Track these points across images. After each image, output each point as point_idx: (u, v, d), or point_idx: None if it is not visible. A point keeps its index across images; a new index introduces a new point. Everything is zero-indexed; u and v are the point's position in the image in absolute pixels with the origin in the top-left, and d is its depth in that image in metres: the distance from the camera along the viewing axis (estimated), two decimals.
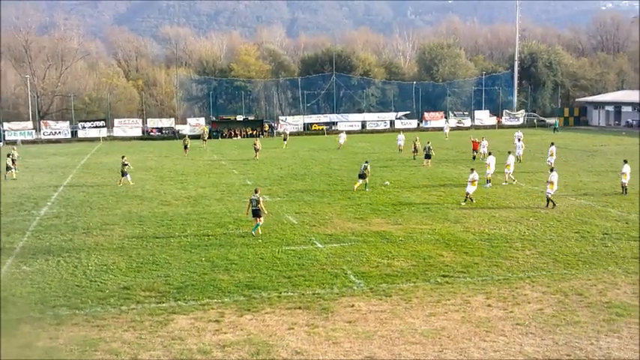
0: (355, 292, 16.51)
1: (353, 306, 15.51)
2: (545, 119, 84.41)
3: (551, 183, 26.89)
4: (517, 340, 13.33)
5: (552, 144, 39.43)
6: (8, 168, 38.29)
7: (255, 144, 48.40)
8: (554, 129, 71.14)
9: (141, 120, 77.40)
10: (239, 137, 72.59)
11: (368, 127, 78.48)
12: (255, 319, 14.78)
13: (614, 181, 32.70)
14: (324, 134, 75.14)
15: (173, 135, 72.56)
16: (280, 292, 16.52)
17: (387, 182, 33.91)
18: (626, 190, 29.81)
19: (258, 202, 22.46)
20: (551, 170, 28.00)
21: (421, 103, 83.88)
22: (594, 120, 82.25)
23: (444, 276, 17.71)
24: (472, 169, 28.95)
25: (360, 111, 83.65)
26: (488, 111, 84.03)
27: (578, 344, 13.05)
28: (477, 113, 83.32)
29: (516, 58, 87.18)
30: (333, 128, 77.82)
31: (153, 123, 76.33)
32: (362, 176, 32.14)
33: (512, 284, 16.94)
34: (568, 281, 17.09)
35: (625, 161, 30.61)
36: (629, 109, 77.62)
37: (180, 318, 14.86)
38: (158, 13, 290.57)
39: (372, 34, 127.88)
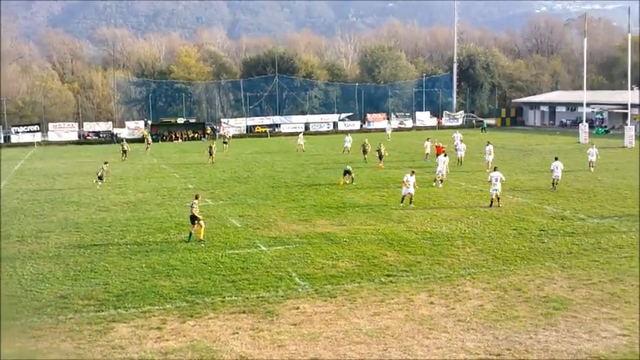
0: (300, 295, 16.46)
1: (298, 308, 15.44)
2: (483, 120, 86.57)
3: (489, 182, 27.52)
4: (459, 336, 13.55)
5: (488, 143, 40.42)
6: None
7: (210, 147, 47.46)
8: (482, 129, 73.16)
9: (77, 124, 75.18)
10: (180, 140, 71.53)
11: (311, 129, 78.66)
12: (199, 324, 14.53)
13: (549, 179, 33.77)
14: (267, 136, 74.87)
15: (111, 139, 70.78)
16: (224, 297, 16.30)
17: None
18: (555, 185, 31.06)
19: (191, 207, 22.08)
20: (495, 169, 28.61)
21: (364, 104, 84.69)
22: (530, 120, 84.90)
23: (387, 275, 17.86)
24: (412, 172, 29.00)
25: (303, 113, 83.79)
26: (429, 112, 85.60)
27: (517, 338, 13.37)
28: (418, 114, 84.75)
29: (455, 61, 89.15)
30: (276, 130, 77.67)
31: (89, 127, 74.24)
32: (347, 172, 34.27)
33: (454, 281, 17.24)
34: (507, 277, 17.52)
35: (556, 158, 32.03)
36: (563, 109, 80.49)
37: (120, 326, 14.45)
38: (95, 14, 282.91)
39: (314, 36, 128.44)
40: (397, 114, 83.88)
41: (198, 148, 58.99)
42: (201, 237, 22.02)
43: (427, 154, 44.69)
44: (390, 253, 20.23)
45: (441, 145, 42.88)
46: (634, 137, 52.77)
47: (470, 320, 14.43)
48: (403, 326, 14.19)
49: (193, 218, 21.97)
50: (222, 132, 71.99)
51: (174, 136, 72.15)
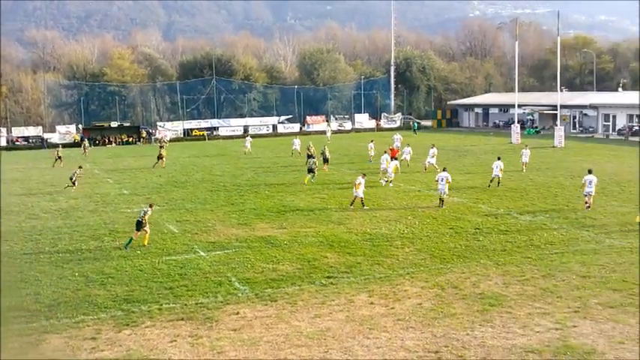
0: (240, 299, 16.26)
1: (238, 313, 15.25)
2: (420, 121, 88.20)
3: (437, 182, 28.13)
4: (399, 335, 13.68)
5: (433, 146, 41.11)
6: None
7: (160, 151, 46.38)
8: (414, 130, 74.66)
9: (5, 129, 72.14)
10: (114, 144, 69.76)
11: (250, 132, 78.07)
12: (135, 333, 14.13)
13: (484, 178, 34.68)
14: (205, 140, 73.92)
15: (41, 144, 68.27)
16: (161, 305, 15.92)
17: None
18: (493, 183, 32.16)
19: (145, 214, 21.86)
20: (444, 170, 29.14)
21: (303, 106, 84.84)
22: (465, 121, 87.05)
23: (328, 277, 17.87)
24: (364, 174, 29.06)
25: (242, 116, 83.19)
26: (367, 114, 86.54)
27: (455, 335, 13.60)
28: (357, 116, 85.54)
29: (392, 63, 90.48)
30: (215, 133, 76.86)
31: (19, 132, 71.45)
32: (311, 170, 35.22)
33: (393, 281, 17.41)
34: (444, 275, 17.83)
35: (498, 158, 33.38)
36: (496, 110, 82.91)
37: (53, 337, 13.91)
38: (23, 16, 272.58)
39: (253, 38, 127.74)
40: (336, 116, 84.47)
41: (133, 152, 57.68)
42: (146, 243, 21.74)
43: (371, 155, 45.06)
44: (330, 254, 20.26)
45: (395, 148, 42.90)
46: (563, 137, 54.80)
47: (409, 319, 14.60)
48: (344, 327, 14.22)
49: (140, 224, 21.66)
50: (158, 136, 70.63)
51: (107, 141, 70.27)
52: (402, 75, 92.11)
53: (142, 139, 71.64)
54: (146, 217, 21.80)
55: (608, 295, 15.74)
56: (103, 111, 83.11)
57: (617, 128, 64.88)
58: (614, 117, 66.02)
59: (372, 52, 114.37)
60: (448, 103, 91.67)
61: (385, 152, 36.94)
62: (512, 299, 15.72)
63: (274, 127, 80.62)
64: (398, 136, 49.66)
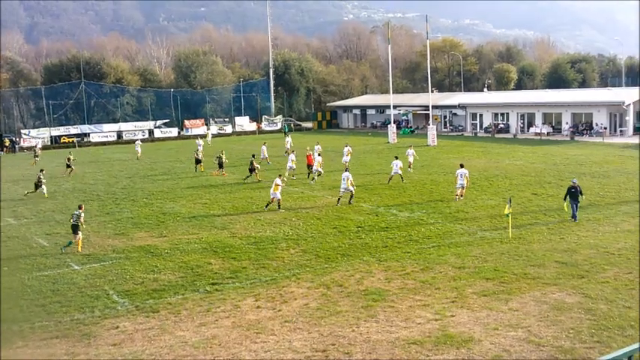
0: (119, 313, 15.49)
1: (117, 327, 14.52)
2: (301, 123, 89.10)
3: (348, 181, 28.54)
4: (286, 337, 13.62)
5: (347, 145, 41.61)
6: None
7: (68, 158, 43.72)
8: (285, 132, 75.66)
9: None
10: None
11: (125, 138, 75.24)
12: (6, 355, 13.02)
13: (365, 178, 35.64)
14: (75, 147, 70.05)
15: None
16: (33, 323, 14.82)
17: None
18: (402, 178, 33.93)
19: (79, 217, 21.88)
20: (346, 169, 29.76)
21: (180, 110, 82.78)
22: (344, 123, 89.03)
23: (213, 284, 17.48)
24: (280, 175, 28.83)
25: (115, 120, 79.67)
26: (248, 117, 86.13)
27: (341, 333, 13.75)
28: (238, 119, 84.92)
29: (271, 66, 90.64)
30: (85, 140, 73.23)
31: None
32: (251, 170, 36.19)
33: (280, 283, 17.35)
34: (329, 274, 18.01)
35: (396, 157, 34.90)
36: (373, 111, 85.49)
37: None
38: None
39: (123, 40, 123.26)
40: (216, 119, 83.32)
41: None
42: (80, 249, 21.53)
43: (267, 157, 44.75)
44: (214, 260, 19.84)
45: (311, 154, 40.17)
46: (436, 136, 57.46)
47: (296, 320, 14.58)
48: (230, 334, 13.94)
49: (76, 228, 21.74)
50: (31, 144, 66.00)
51: None
52: (281, 77, 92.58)
53: (5, 149, 66.73)
54: (82, 220, 21.96)
55: (481, 285, 16.60)
56: None
57: (484, 126, 69.07)
58: (481, 116, 70.24)
59: (249, 54, 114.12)
60: (327, 104, 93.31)
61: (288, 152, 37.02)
62: (395, 293, 16.16)
63: (150, 131, 78.11)
64: (289, 139, 49.97)
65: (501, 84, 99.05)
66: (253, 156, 37.96)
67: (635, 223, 22.69)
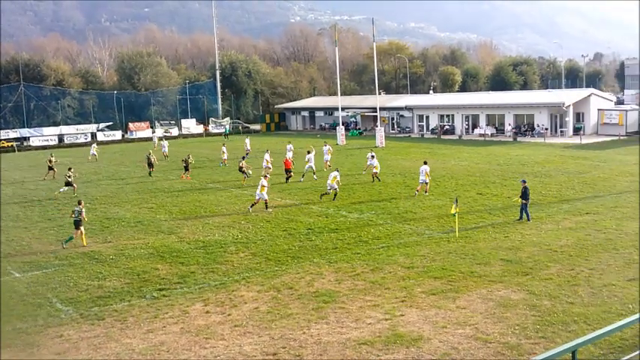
0: (63, 321, 15.02)
1: (62, 336, 14.08)
2: (249, 126, 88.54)
3: (334, 179, 29.23)
4: (236, 342, 13.46)
5: (325, 143, 43.19)
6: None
7: (50, 160, 42.47)
8: (225, 135, 75.29)
9: None
10: None
11: (66, 141, 73.17)
12: None
13: (313, 181, 35.68)
14: (14, 151, 67.68)
15: None
16: None
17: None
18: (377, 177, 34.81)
19: (80, 213, 22.53)
20: (336, 170, 30.73)
21: (124, 113, 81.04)
22: (293, 125, 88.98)
23: (160, 290, 17.13)
24: (265, 176, 28.44)
25: (55, 124, 77.30)
26: (194, 119, 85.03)
27: (292, 335, 13.68)
28: (184, 122, 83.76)
29: (217, 68, 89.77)
30: (25, 144, 70.87)
31: None
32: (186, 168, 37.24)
33: (229, 287, 17.14)
34: (280, 277, 17.91)
35: (372, 156, 36.22)
36: (321, 113, 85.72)
37: None
38: None
39: (64, 41, 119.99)
40: (162, 122, 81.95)
41: None
42: (85, 243, 22.31)
43: (224, 159, 45.16)
44: (161, 266, 19.46)
45: (288, 158, 39.69)
46: (384, 138, 58.05)
47: (246, 324, 14.43)
48: (179, 340, 13.68)
49: (78, 223, 22.40)
50: None
51: None
52: (228, 79, 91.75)
53: None
54: (83, 215, 22.66)
55: (430, 284, 16.82)
56: None
57: (430, 128, 70.19)
58: (428, 117, 71.36)
59: (195, 55, 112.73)
60: (275, 107, 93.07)
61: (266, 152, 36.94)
62: (345, 294, 16.20)
63: (93, 135, 76.18)
64: (248, 140, 50.39)
65: (446, 86, 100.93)
66: (243, 158, 38.75)
67: (576, 221, 23.44)
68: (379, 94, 67.24)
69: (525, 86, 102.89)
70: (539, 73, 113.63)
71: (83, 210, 22.86)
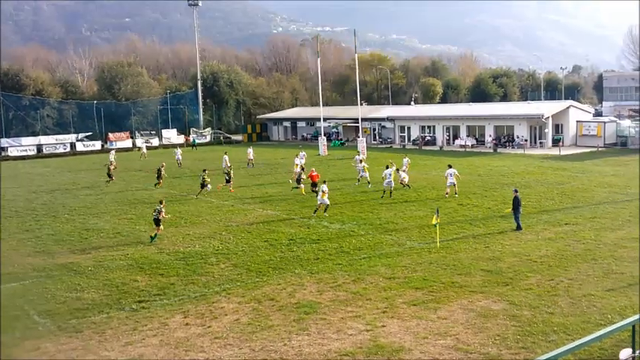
0: (41, 333, 14.79)
1: (39, 349, 13.88)
2: (230, 136, 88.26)
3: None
4: (216, 354, 13.33)
5: (301, 150, 42.49)
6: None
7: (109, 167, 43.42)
8: (193, 146, 75.05)
9: None
10: None
11: (45, 151, 72.38)
12: None
13: (295, 191, 35.57)
14: None
15: None
16: None
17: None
18: (389, 193, 32.90)
19: (160, 212, 24.09)
20: (323, 182, 30.14)
21: (104, 123, 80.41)
22: (275, 135, 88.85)
23: (139, 301, 16.94)
24: (324, 181, 29.14)
25: (34, 134, 76.48)
26: (175, 129, 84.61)
27: (273, 347, 13.59)
28: (165, 132, 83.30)
29: (199, 78, 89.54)
30: (3, 154, 69.98)
31: None
32: (203, 185, 35.08)
33: (209, 299, 17.00)
34: (261, 288, 17.81)
35: (361, 161, 37.36)
36: (303, 124, 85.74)
37: None
38: None
39: (43, 50, 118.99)
40: (142, 132, 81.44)
41: None
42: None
43: (229, 165, 44.20)
44: (140, 277, 19.25)
45: (312, 171, 37.06)
46: (365, 148, 58.19)
47: (227, 336, 14.31)
48: (158, 352, 13.52)
49: (158, 221, 24.10)
50: None
51: None
52: (209, 89, 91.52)
53: None
54: (163, 214, 24.26)
55: (411, 294, 16.82)
56: None
57: (411, 138, 70.53)
58: (409, 128, 71.70)
59: (176, 65, 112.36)
60: (257, 117, 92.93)
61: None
62: (327, 305, 16.14)
63: (73, 145, 75.46)
64: (302, 153, 46.34)
65: (427, 97, 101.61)
66: (204, 171, 36.25)
67: (555, 231, 23.63)
68: (361, 104, 67.46)
69: (505, 98, 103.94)
70: (518, 85, 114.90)
71: (163, 210, 24.38)
